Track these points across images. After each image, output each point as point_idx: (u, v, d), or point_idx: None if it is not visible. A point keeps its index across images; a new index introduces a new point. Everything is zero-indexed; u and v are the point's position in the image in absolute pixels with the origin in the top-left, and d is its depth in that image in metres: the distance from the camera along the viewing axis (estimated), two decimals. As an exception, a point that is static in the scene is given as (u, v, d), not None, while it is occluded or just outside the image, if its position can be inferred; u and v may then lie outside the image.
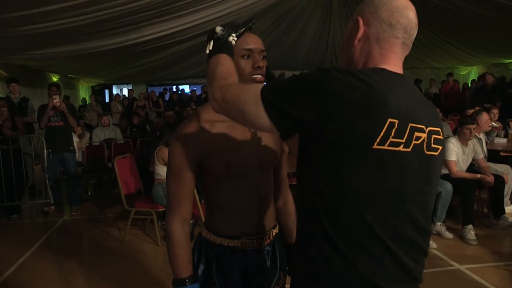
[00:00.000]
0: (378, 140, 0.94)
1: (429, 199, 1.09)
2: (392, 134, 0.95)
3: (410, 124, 0.99)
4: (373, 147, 0.94)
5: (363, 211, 0.98)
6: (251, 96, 1.00)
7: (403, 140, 0.98)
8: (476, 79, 12.26)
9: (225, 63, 1.14)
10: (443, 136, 1.11)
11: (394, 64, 1.07)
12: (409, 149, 0.99)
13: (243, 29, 1.27)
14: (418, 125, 1.01)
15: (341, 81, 0.94)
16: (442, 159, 1.13)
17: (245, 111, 1.01)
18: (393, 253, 1.00)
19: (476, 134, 4.76)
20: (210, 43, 1.22)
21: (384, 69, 1.04)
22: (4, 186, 5.30)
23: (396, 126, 0.96)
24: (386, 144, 0.95)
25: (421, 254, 1.08)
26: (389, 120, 0.95)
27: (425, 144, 1.03)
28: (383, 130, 0.94)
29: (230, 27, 1.25)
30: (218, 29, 1.24)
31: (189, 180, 1.33)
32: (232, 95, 1.05)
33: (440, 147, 1.09)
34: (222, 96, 1.06)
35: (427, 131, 1.04)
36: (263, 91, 0.99)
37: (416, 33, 1.10)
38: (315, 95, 0.94)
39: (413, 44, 1.10)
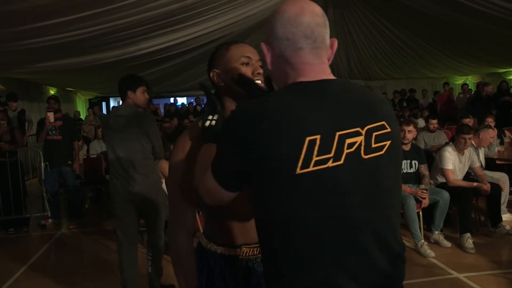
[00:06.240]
0: (300, 164, 0.89)
1: (386, 206, 1.00)
2: (316, 152, 0.90)
3: (338, 133, 0.93)
4: (296, 173, 0.89)
5: (309, 243, 0.93)
6: (209, 180, 1.04)
7: (331, 154, 0.91)
8: (473, 89, 12.36)
9: (202, 157, 1.16)
10: (391, 128, 1.01)
11: (311, 72, 1.01)
12: (341, 161, 0.92)
13: (218, 108, 1.28)
14: (350, 130, 0.94)
15: (245, 123, 0.94)
16: (395, 153, 1.03)
17: (211, 190, 1.05)
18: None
19: (473, 143, 4.80)
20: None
21: (299, 83, 1.00)
22: (0, 200, 5.27)
23: (318, 142, 0.90)
24: (311, 166, 0.90)
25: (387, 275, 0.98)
26: (308, 139, 0.89)
27: (362, 148, 0.95)
28: (303, 152, 0.89)
29: (206, 113, 1.27)
30: (199, 123, 1.28)
31: (192, 190, 1.32)
32: (201, 188, 1.10)
33: (387, 142, 0.99)
34: (200, 193, 1.11)
35: (364, 131, 0.96)
36: (212, 171, 1.03)
37: (324, 30, 1.03)
38: (234, 152, 0.96)
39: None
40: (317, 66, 1.02)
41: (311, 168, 0.90)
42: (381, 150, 0.98)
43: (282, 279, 0.97)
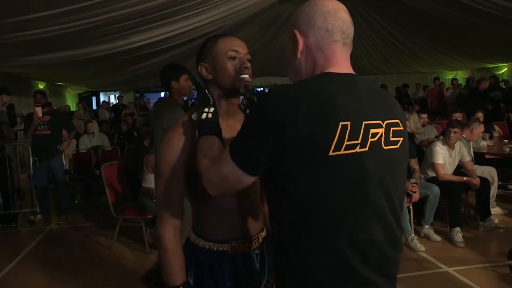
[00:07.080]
0: (333, 146, 0.94)
1: (395, 195, 1.07)
2: (347, 137, 0.95)
3: (364, 123, 0.99)
4: (329, 154, 0.94)
5: (329, 224, 0.99)
6: (225, 166, 1.03)
7: (359, 141, 0.98)
8: (463, 84, 12.43)
9: (205, 148, 1.15)
10: (403, 127, 1.10)
11: (340, 65, 1.07)
12: (366, 148, 0.99)
13: (212, 101, 1.27)
14: (373, 121, 1.01)
15: (284, 104, 0.96)
16: (406, 150, 1.12)
17: (226, 177, 1.04)
18: (361, 258, 1.00)
19: (464, 137, 4.83)
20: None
21: (329, 73, 1.05)
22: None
23: (349, 128, 0.96)
24: (342, 149, 0.95)
25: (387, 250, 1.06)
26: (341, 123, 0.95)
27: (383, 139, 1.03)
28: (337, 135, 0.95)
29: (200, 106, 1.26)
30: (194, 116, 1.27)
31: (180, 185, 1.32)
32: (213, 177, 1.07)
33: (401, 139, 1.08)
34: (207, 184, 1.09)
35: (384, 125, 1.04)
36: (231, 155, 1.02)
37: (353, 31, 1.11)
38: (269, 133, 0.96)
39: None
40: (345, 61, 1.09)
41: (342, 151, 0.95)
42: (397, 144, 1.07)
43: (299, 260, 1.01)
